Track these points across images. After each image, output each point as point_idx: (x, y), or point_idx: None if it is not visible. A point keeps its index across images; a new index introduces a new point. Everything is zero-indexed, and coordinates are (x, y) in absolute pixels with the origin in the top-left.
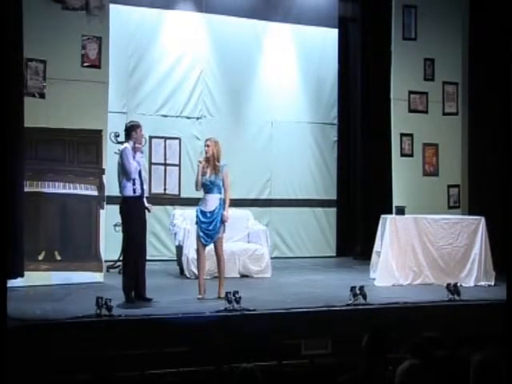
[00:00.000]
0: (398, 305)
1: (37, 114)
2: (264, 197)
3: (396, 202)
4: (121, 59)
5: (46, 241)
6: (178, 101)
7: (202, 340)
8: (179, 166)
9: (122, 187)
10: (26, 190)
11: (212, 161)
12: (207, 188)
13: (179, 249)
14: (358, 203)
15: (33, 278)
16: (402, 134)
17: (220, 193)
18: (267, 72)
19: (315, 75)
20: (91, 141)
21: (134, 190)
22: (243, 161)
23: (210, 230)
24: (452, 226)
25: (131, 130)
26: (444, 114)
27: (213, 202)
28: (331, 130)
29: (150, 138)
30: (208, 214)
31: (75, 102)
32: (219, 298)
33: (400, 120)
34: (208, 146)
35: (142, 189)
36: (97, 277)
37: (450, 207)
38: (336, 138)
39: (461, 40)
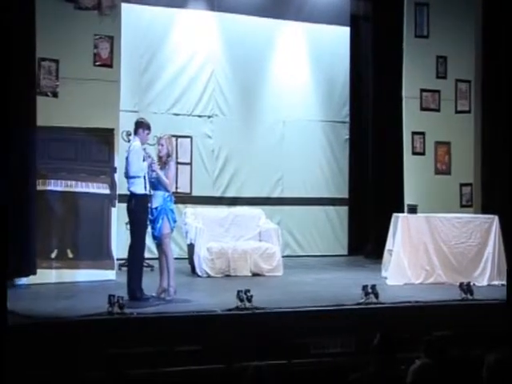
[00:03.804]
0: (410, 304)
1: (49, 113)
2: (275, 195)
3: (408, 200)
4: (132, 58)
5: (58, 239)
6: (189, 99)
7: (212, 338)
8: (191, 164)
9: (130, 184)
10: (39, 188)
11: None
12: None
13: (191, 247)
14: (370, 202)
15: (45, 276)
16: (413, 133)
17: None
18: (279, 70)
19: (327, 73)
20: (103, 139)
21: (145, 187)
22: (255, 159)
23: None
24: (464, 224)
25: (138, 126)
26: (456, 112)
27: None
28: (343, 128)
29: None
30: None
31: (87, 101)
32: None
33: (412, 118)
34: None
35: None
36: (108, 275)
37: (462, 206)
38: (347, 137)
39: (473, 37)
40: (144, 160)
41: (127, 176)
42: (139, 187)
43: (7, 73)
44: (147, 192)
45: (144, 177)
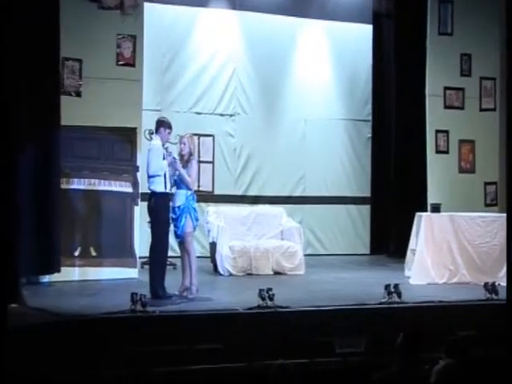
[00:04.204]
0: (433, 304)
1: (73, 113)
2: (297, 194)
3: (431, 199)
4: (155, 57)
5: (81, 237)
6: (211, 98)
7: (234, 337)
8: (213, 163)
9: (150, 182)
10: (63, 187)
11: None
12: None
13: (213, 246)
14: (392, 200)
15: (69, 274)
16: (437, 131)
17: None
18: (301, 69)
19: (349, 72)
20: (126, 138)
21: (165, 186)
22: (276, 158)
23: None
24: (489, 224)
25: (159, 125)
26: (481, 110)
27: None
28: (365, 126)
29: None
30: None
31: (110, 100)
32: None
33: (435, 116)
34: (184, 143)
35: (170, 186)
36: (131, 273)
37: (486, 205)
38: (370, 135)
39: (498, 34)
40: (164, 158)
41: (147, 175)
42: (159, 186)
43: (33, 73)
44: (167, 190)
45: (164, 175)
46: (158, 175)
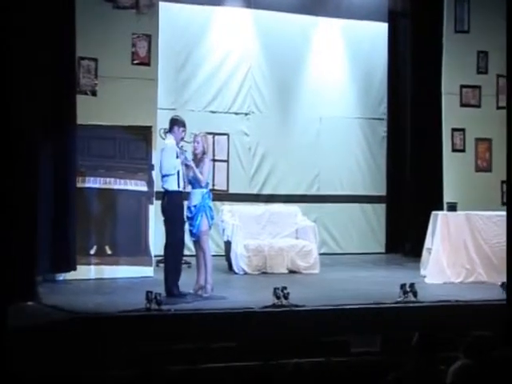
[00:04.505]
0: (449, 303)
1: (88, 112)
2: (312, 193)
3: (447, 198)
4: (170, 56)
5: (97, 236)
6: (226, 97)
7: (249, 335)
8: (227, 161)
9: (163, 181)
10: (78, 185)
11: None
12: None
13: (228, 244)
14: (408, 199)
15: (84, 272)
16: (453, 129)
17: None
18: (316, 67)
19: (364, 70)
20: (141, 137)
21: (178, 185)
22: (291, 156)
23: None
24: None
25: (173, 123)
26: (498, 107)
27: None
28: (380, 125)
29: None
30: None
31: (126, 99)
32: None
33: (451, 114)
34: (198, 142)
35: (184, 184)
36: (146, 271)
37: (503, 204)
38: (385, 134)
39: None
40: (177, 157)
41: (161, 174)
42: (172, 184)
43: (48, 72)
44: (181, 189)
45: (178, 174)
46: (172, 174)
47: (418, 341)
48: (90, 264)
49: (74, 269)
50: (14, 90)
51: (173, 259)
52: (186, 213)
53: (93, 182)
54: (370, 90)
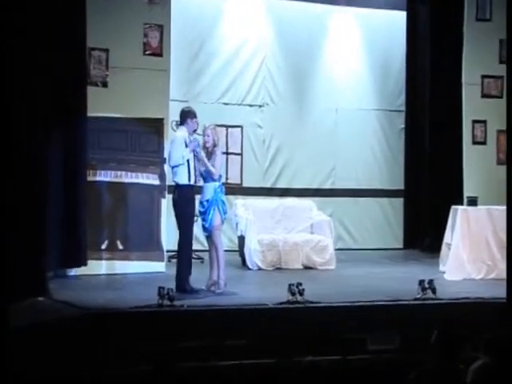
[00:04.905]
0: (469, 300)
1: (99, 103)
2: (328, 186)
3: (467, 192)
4: (182, 47)
5: (108, 230)
6: (239, 88)
7: (263, 332)
8: (241, 154)
9: (174, 174)
10: (89, 179)
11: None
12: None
13: (241, 239)
14: (427, 193)
15: (95, 267)
16: (474, 121)
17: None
18: (332, 57)
19: (382, 60)
20: (153, 129)
21: (189, 178)
22: (306, 149)
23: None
24: None
25: (187, 115)
26: None
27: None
28: (398, 117)
29: None
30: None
31: (137, 91)
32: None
33: (472, 106)
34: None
35: (195, 178)
36: (158, 267)
37: None
38: (403, 126)
39: None
40: (186, 146)
41: (170, 166)
42: (182, 177)
43: (59, 63)
44: (191, 182)
45: (188, 166)
46: (181, 164)
47: (437, 339)
48: (101, 259)
49: (85, 264)
50: (21, 83)
51: (184, 255)
52: (198, 207)
53: (104, 176)
54: (387, 80)
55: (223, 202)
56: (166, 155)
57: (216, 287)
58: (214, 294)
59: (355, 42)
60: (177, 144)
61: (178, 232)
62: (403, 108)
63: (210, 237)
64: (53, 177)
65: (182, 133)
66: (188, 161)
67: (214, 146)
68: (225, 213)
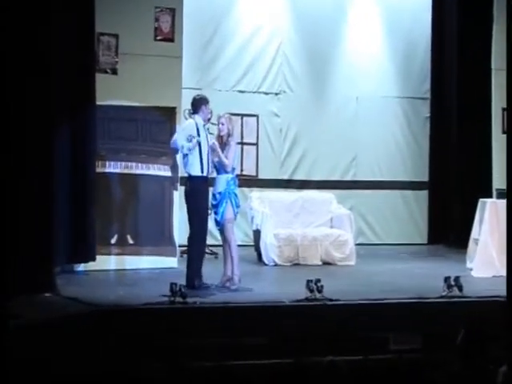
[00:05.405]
0: (498, 298)
1: (108, 91)
2: (348, 178)
3: (496, 184)
4: (195, 32)
5: (118, 224)
6: (255, 75)
7: (280, 331)
8: (257, 144)
9: (185, 164)
10: (98, 170)
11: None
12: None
13: (257, 233)
14: (453, 185)
15: (104, 263)
16: (503, 109)
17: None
18: (352, 42)
19: (405, 44)
20: (165, 118)
21: (202, 169)
22: (325, 139)
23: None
24: None
25: (201, 103)
26: None
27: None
28: (423, 104)
29: None
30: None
31: (148, 78)
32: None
33: (502, 92)
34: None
35: (209, 169)
36: (170, 262)
37: None
38: (428, 114)
39: None
40: (190, 141)
41: (183, 155)
42: (195, 168)
43: (66, 49)
44: (205, 174)
45: (201, 157)
46: (185, 154)
47: (463, 338)
48: (110, 254)
49: (94, 259)
50: (24, 70)
51: (195, 250)
52: (211, 200)
53: (113, 167)
54: (411, 66)
55: (236, 195)
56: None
57: (231, 283)
58: (229, 291)
59: (377, 25)
60: (183, 131)
61: (189, 227)
62: (428, 95)
63: (222, 231)
64: (60, 168)
65: (192, 121)
66: (201, 150)
67: (229, 136)
68: (237, 206)
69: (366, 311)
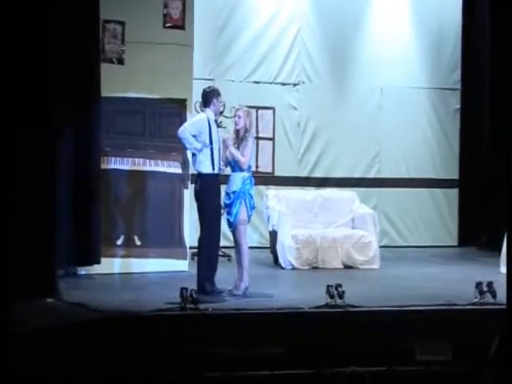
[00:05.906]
0: None
1: (114, 82)
2: (371, 175)
3: None
4: (206, 18)
5: (124, 224)
6: (271, 65)
7: (299, 339)
8: (273, 139)
9: (194, 161)
10: (103, 167)
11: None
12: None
13: (273, 234)
14: (485, 184)
15: (110, 266)
16: None
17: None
18: (376, 29)
19: (434, 31)
20: (174, 111)
21: (213, 166)
22: (347, 134)
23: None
24: None
25: (212, 95)
26: None
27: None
28: (452, 96)
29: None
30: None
31: (157, 68)
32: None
33: None
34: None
35: (219, 166)
36: (180, 265)
37: None
38: (458, 106)
39: None
40: (210, 131)
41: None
42: (205, 165)
43: (69, 38)
44: (216, 171)
45: (212, 154)
46: (198, 151)
47: (497, 348)
48: (116, 256)
49: (98, 262)
50: (26, 60)
51: (206, 252)
52: (223, 199)
53: (119, 163)
54: (440, 54)
55: (251, 196)
56: None
57: (234, 289)
58: (242, 297)
59: (404, 10)
60: (193, 124)
61: (199, 227)
62: (458, 86)
63: (234, 232)
64: (63, 165)
65: (204, 115)
66: (212, 146)
67: (246, 130)
68: (252, 208)
69: (390, 319)
